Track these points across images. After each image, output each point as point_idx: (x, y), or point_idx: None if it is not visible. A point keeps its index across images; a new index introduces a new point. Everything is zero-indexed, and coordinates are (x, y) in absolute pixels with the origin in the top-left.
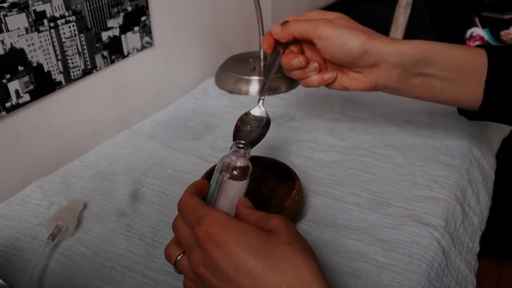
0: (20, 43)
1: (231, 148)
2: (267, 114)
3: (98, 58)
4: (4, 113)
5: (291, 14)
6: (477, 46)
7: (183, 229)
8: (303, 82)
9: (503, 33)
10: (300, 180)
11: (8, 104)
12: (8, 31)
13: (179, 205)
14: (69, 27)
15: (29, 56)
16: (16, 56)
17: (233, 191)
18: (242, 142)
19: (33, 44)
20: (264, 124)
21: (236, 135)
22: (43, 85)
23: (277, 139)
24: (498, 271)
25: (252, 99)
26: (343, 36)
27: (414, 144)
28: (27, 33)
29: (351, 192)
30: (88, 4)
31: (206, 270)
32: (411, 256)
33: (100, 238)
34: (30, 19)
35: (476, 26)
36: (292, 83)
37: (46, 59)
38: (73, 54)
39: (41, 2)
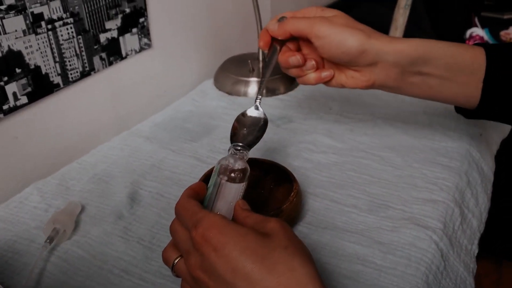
0: (17, 46)
1: (229, 150)
2: (264, 114)
3: (96, 60)
4: (1, 115)
5: None
6: (476, 44)
7: (180, 232)
8: (300, 79)
9: (502, 33)
10: (298, 183)
11: (5, 107)
12: (5, 33)
13: (176, 208)
14: (67, 29)
15: (26, 58)
16: (14, 59)
17: (231, 194)
18: (240, 144)
19: (30, 46)
20: (262, 125)
21: (234, 137)
22: (40, 87)
23: (276, 141)
24: (497, 272)
25: (251, 100)
26: (340, 35)
27: (413, 146)
28: (24, 35)
29: (349, 194)
30: (86, 6)
31: (203, 273)
32: (409, 259)
33: (98, 241)
34: (27, 22)
35: (476, 26)
36: (290, 84)
37: (43, 62)
38: (71, 56)
39: (38, 4)
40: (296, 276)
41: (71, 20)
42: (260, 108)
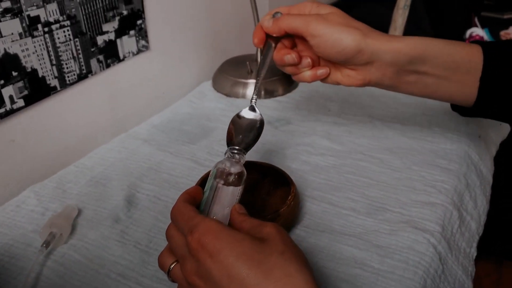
0: (14, 49)
1: (225, 154)
2: (260, 115)
3: (93, 63)
4: None
5: None
6: (473, 42)
7: (176, 237)
8: (295, 77)
9: (502, 33)
10: (295, 186)
11: (2, 110)
12: (1, 36)
13: (172, 213)
14: (64, 31)
15: (23, 61)
16: (10, 62)
17: (228, 198)
18: (237, 148)
19: (27, 49)
20: (258, 126)
21: (230, 141)
22: (37, 90)
23: (274, 143)
24: (497, 272)
25: (249, 102)
26: (336, 34)
27: (411, 148)
28: (21, 38)
29: (347, 197)
30: (83, 8)
31: (199, 279)
32: (407, 262)
33: (94, 244)
34: (24, 24)
35: (476, 26)
36: (289, 86)
37: (40, 64)
38: (68, 59)
39: (35, 7)
40: (293, 281)
41: (68, 22)
42: (256, 108)
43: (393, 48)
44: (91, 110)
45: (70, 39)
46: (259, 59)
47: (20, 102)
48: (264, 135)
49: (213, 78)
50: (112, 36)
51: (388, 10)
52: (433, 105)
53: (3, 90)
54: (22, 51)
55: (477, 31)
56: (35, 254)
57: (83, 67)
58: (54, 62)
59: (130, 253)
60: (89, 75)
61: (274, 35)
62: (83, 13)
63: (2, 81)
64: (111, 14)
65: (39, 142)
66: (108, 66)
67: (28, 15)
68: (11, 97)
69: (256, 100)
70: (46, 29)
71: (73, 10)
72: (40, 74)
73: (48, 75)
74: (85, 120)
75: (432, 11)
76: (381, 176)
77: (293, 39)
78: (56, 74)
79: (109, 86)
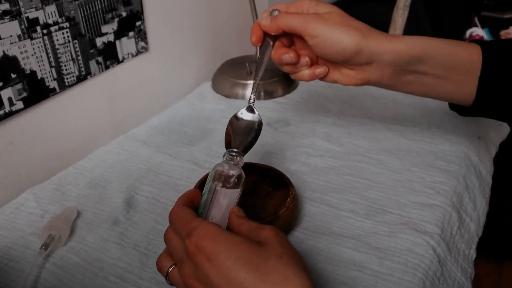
0: (12, 51)
1: (223, 156)
2: (259, 116)
3: (92, 64)
4: None
5: None
6: (473, 41)
7: (174, 241)
8: (293, 75)
9: (503, 32)
10: (294, 188)
11: (1, 112)
12: (0, 38)
13: (170, 216)
14: (63, 33)
15: (22, 63)
16: (9, 64)
17: (226, 200)
18: (235, 150)
19: (26, 51)
20: (256, 128)
21: (228, 143)
22: (36, 92)
23: (273, 144)
24: (498, 272)
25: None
26: (335, 34)
27: (411, 149)
28: (19, 40)
29: (346, 198)
30: (81, 10)
31: (197, 283)
32: (406, 265)
33: (93, 247)
34: (22, 27)
35: (476, 26)
36: (288, 87)
37: (39, 66)
38: (67, 61)
39: (33, 9)
40: (291, 285)
41: (66, 24)
42: (254, 109)
43: (393, 48)
44: (90, 112)
45: (69, 41)
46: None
47: (19, 104)
48: (263, 136)
49: (213, 79)
50: (111, 37)
51: (388, 11)
52: (432, 106)
53: (2, 92)
54: (21, 53)
55: (477, 31)
56: (34, 257)
57: (82, 69)
58: (53, 64)
59: (129, 255)
60: (88, 77)
61: (272, 33)
62: (82, 15)
63: (1, 83)
64: (110, 15)
65: (38, 144)
66: (107, 67)
67: (27, 17)
68: (10, 99)
69: (254, 100)
70: (45, 31)
71: (72, 12)
72: (39, 76)
73: (47, 77)
74: (84, 122)
75: (432, 11)
76: (380, 178)
77: (291, 36)
78: (55, 76)
79: (108, 88)
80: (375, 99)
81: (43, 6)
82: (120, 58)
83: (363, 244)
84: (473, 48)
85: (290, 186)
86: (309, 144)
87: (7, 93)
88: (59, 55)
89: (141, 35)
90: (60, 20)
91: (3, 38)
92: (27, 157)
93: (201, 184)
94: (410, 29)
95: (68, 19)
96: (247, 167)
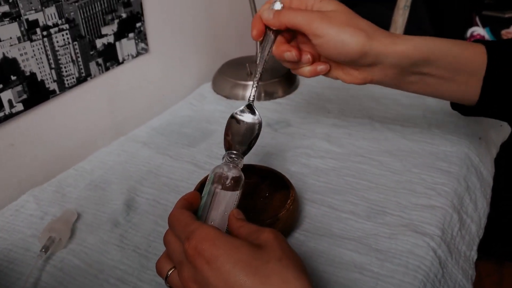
0: (12, 53)
1: (223, 158)
2: (258, 116)
3: (92, 66)
4: None
5: None
6: (477, 41)
7: (174, 244)
8: (294, 71)
9: (503, 32)
10: (295, 190)
11: (1, 114)
12: (0, 41)
13: (169, 219)
14: (63, 35)
15: (22, 65)
16: (9, 66)
17: (225, 203)
18: (234, 152)
19: (25, 53)
20: (255, 128)
21: (227, 145)
22: (36, 94)
23: (273, 145)
24: (499, 272)
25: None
26: (340, 35)
27: (411, 150)
28: (19, 42)
29: (347, 200)
30: (81, 12)
31: (196, 286)
32: (407, 266)
33: (93, 249)
34: (22, 28)
35: (477, 25)
36: (289, 87)
37: (39, 68)
38: (66, 62)
39: (33, 11)
40: None
41: (66, 26)
42: (254, 108)
43: (398, 50)
44: (90, 113)
45: (69, 43)
46: (258, 61)
47: (19, 106)
48: (264, 137)
49: (213, 80)
50: (111, 39)
51: (388, 11)
52: (433, 107)
53: (2, 94)
54: (21, 55)
55: (478, 30)
56: (34, 259)
57: (82, 71)
58: (53, 65)
59: (129, 257)
60: (88, 79)
61: (274, 28)
62: (82, 16)
63: (1, 86)
64: (110, 17)
65: (38, 146)
66: (107, 69)
67: (27, 19)
68: (10, 101)
69: (254, 98)
70: (44, 33)
71: (72, 13)
72: (39, 78)
73: (47, 79)
74: (85, 124)
75: (433, 11)
76: (381, 179)
77: (294, 31)
78: (55, 78)
79: (109, 89)
80: (376, 100)
81: (43, 8)
82: (120, 59)
83: (363, 246)
84: (478, 48)
85: (290, 187)
86: (310, 145)
87: (7, 95)
88: (59, 57)
89: (141, 36)
90: (60, 22)
91: (3, 40)
92: (27, 159)
93: (201, 186)
94: (411, 29)
95: (68, 20)
96: (247, 168)
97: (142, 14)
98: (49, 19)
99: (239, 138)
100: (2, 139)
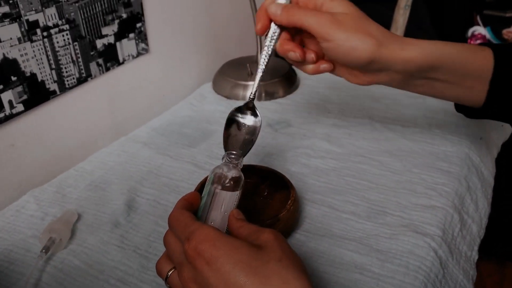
0: (12, 53)
1: (222, 158)
2: (258, 115)
3: (93, 66)
4: None
5: None
6: (484, 44)
7: (174, 244)
8: (296, 67)
9: (505, 31)
10: (295, 190)
11: (1, 115)
12: (0, 41)
13: (169, 220)
14: (63, 35)
15: (22, 66)
16: (9, 67)
17: (225, 203)
18: (234, 152)
19: (26, 54)
20: (257, 132)
21: (226, 145)
22: (37, 94)
23: (274, 145)
24: (500, 272)
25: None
26: (350, 41)
27: (412, 150)
28: (19, 43)
29: (347, 200)
30: (81, 12)
31: (196, 287)
32: (407, 267)
33: (94, 250)
34: (22, 29)
35: (478, 24)
36: (289, 87)
37: (39, 69)
38: (67, 63)
39: (33, 12)
40: None
41: (66, 26)
42: (254, 106)
43: (406, 57)
44: (90, 114)
45: (69, 43)
46: (259, 60)
47: (20, 107)
48: (264, 137)
49: (213, 80)
50: (111, 39)
51: (389, 10)
52: (434, 107)
53: (2, 95)
54: (21, 55)
55: (479, 30)
56: (35, 260)
57: (83, 71)
58: (53, 66)
59: (129, 258)
60: (89, 79)
61: (281, 24)
62: (82, 17)
63: (1, 86)
64: (110, 17)
65: (39, 146)
66: (107, 69)
67: (27, 20)
68: (10, 102)
69: (254, 95)
70: (45, 33)
71: (72, 14)
72: (40, 79)
73: (47, 79)
74: (85, 124)
75: (434, 10)
76: (381, 179)
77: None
78: (56, 78)
79: (109, 90)
80: (376, 100)
81: (43, 8)
82: (121, 59)
83: (364, 246)
84: (485, 52)
85: (291, 188)
86: (310, 145)
87: (8, 96)
88: (59, 57)
89: (142, 37)
90: (60, 22)
91: (3, 41)
92: (27, 160)
93: (201, 186)
94: (412, 29)
95: (68, 21)
96: (247, 169)
97: (142, 15)
98: (49, 20)
99: (239, 140)
100: (3, 140)
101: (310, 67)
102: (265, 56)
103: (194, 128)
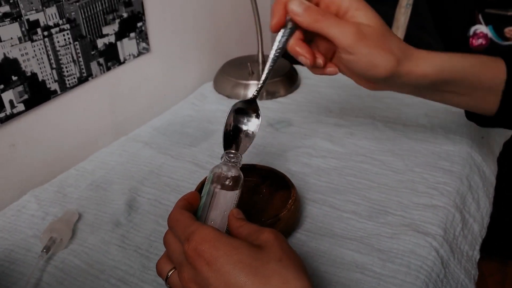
0: (13, 53)
1: (221, 158)
2: (257, 111)
3: (93, 66)
4: None
5: None
6: (495, 53)
7: (174, 245)
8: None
9: (507, 30)
10: (296, 189)
11: (2, 115)
12: (1, 41)
13: (169, 220)
14: (63, 35)
15: (23, 65)
16: (10, 66)
17: (225, 202)
18: (233, 151)
19: (26, 53)
20: (254, 126)
21: (226, 144)
22: (37, 94)
23: (275, 145)
24: (502, 271)
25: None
26: (372, 58)
27: (413, 149)
28: (20, 42)
29: (349, 200)
30: (82, 11)
31: (196, 287)
32: (408, 267)
33: (95, 249)
34: (23, 29)
35: (480, 23)
36: (291, 86)
37: (40, 68)
38: (68, 62)
39: (34, 11)
40: None
41: (67, 26)
42: (256, 102)
43: (419, 72)
44: (91, 113)
45: (70, 43)
46: (260, 60)
47: (20, 107)
48: (265, 137)
49: (214, 80)
50: (112, 38)
51: (390, 9)
52: (435, 106)
53: (3, 95)
54: (22, 55)
55: (481, 28)
56: (35, 260)
57: (83, 70)
58: (54, 65)
59: (130, 258)
60: (90, 78)
61: (302, 26)
62: (83, 16)
63: (2, 86)
64: (111, 16)
65: (40, 146)
66: (108, 69)
67: (28, 20)
68: (11, 102)
69: (258, 92)
70: (45, 33)
71: (73, 13)
72: (40, 78)
73: (48, 79)
74: (86, 124)
75: (435, 9)
76: (383, 179)
77: None
78: (56, 78)
79: (110, 89)
80: (378, 99)
81: (44, 8)
82: (122, 59)
83: (365, 246)
84: (497, 64)
85: (291, 187)
86: (311, 145)
87: (8, 95)
88: (60, 57)
89: (143, 36)
90: (60, 22)
91: (4, 41)
92: (28, 160)
93: (202, 186)
94: (413, 28)
95: (68, 20)
96: (247, 168)
97: (143, 14)
98: (50, 19)
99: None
100: (4, 140)
101: (316, 69)
102: (275, 53)
103: (195, 127)
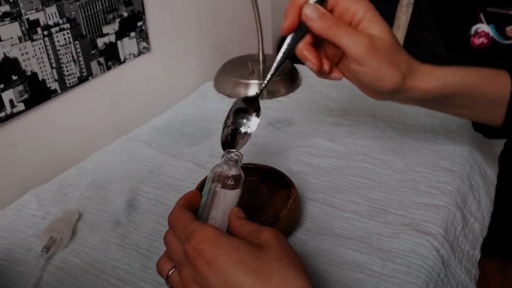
0: (13, 52)
1: (222, 157)
2: (258, 113)
3: (94, 65)
4: None
5: None
6: (499, 65)
7: (174, 244)
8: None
9: (508, 29)
10: (296, 189)
11: (2, 114)
12: (1, 40)
13: (169, 219)
14: (64, 34)
15: (23, 65)
16: (10, 66)
17: (226, 201)
18: (233, 150)
19: (26, 53)
20: (253, 124)
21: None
22: (38, 93)
23: (275, 144)
24: (503, 271)
25: None
26: (381, 72)
27: (414, 149)
28: (20, 42)
29: (349, 199)
30: (82, 11)
31: (196, 286)
32: (409, 266)
33: (95, 249)
34: (23, 28)
35: (481, 22)
36: (291, 86)
37: (40, 68)
38: (68, 62)
39: (34, 11)
40: None
41: (67, 25)
42: (258, 100)
43: (423, 88)
44: (92, 113)
45: (70, 42)
46: (260, 59)
47: (20, 106)
48: (265, 136)
49: (215, 79)
50: (112, 38)
51: (391, 8)
52: None
53: (3, 94)
54: (22, 54)
55: (483, 27)
56: (36, 259)
57: (84, 70)
58: (54, 65)
59: (130, 257)
60: (90, 78)
61: (315, 32)
62: (83, 15)
63: (2, 85)
64: (111, 16)
65: (40, 145)
66: (108, 68)
67: (28, 19)
68: (11, 101)
69: (262, 90)
70: (45, 32)
71: (73, 13)
72: (40, 78)
73: (48, 78)
74: (86, 123)
75: (437, 8)
76: (384, 178)
77: None
78: (56, 77)
79: (110, 89)
80: None
81: (44, 7)
82: (122, 58)
83: (365, 245)
84: (502, 77)
85: (292, 187)
86: (312, 144)
87: (8, 95)
88: (60, 56)
89: (143, 35)
90: (61, 21)
91: (4, 40)
92: (28, 159)
93: (202, 185)
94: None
95: (69, 20)
96: (248, 168)
97: (143, 13)
98: (50, 19)
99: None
100: (4, 139)
101: (321, 73)
102: (283, 54)
103: (195, 127)
